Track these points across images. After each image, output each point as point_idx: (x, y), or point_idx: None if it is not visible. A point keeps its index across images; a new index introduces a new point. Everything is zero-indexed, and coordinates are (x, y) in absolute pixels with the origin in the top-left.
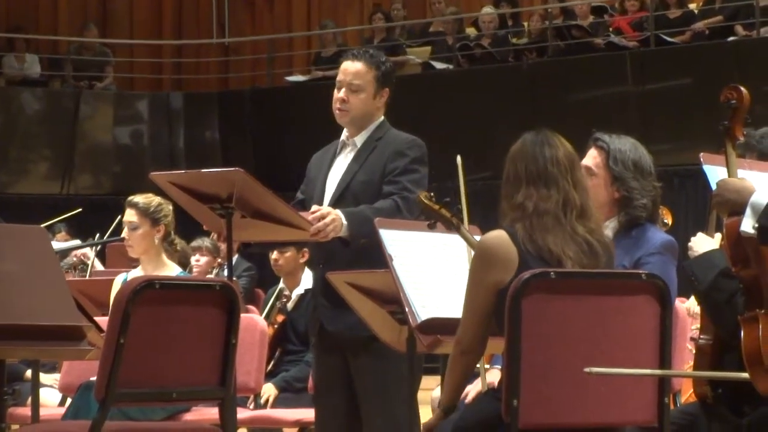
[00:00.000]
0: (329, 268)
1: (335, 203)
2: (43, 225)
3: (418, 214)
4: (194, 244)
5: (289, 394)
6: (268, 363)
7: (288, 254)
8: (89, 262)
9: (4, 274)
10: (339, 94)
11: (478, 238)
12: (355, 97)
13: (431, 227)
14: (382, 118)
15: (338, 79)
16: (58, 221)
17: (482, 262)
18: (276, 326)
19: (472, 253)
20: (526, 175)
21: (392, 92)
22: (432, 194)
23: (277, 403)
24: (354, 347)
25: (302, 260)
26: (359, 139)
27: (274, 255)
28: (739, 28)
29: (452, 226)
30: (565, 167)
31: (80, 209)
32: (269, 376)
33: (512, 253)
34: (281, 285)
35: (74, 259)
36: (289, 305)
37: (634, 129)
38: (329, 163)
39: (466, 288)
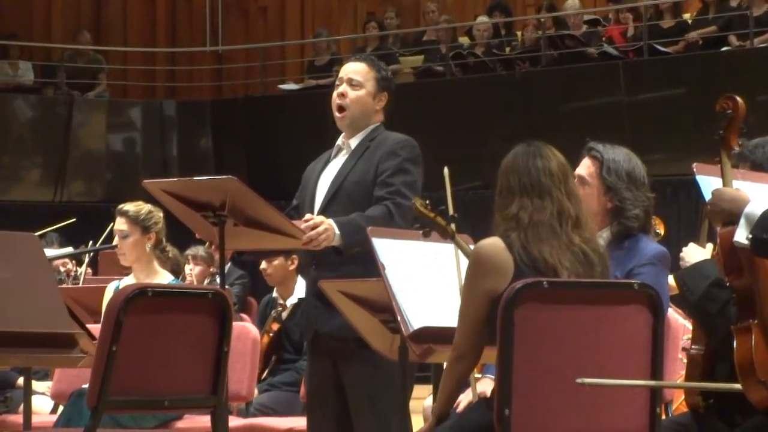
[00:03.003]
0: (320, 269)
1: (327, 204)
2: (36, 233)
3: (411, 221)
4: (189, 252)
5: (280, 398)
6: (262, 371)
7: (276, 262)
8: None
9: None
10: (338, 90)
11: (471, 247)
12: (354, 92)
13: (426, 235)
14: (379, 123)
15: (339, 77)
16: (52, 230)
17: (477, 269)
18: (271, 335)
19: (463, 262)
20: (520, 187)
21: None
22: (427, 201)
23: (270, 411)
24: (345, 353)
25: (292, 267)
26: (354, 142)
27: (263, 265)
28: (732, 39)
29: (447, 235)
30: (558, 178)
31: (74, 219)
32: (263, 383)
33: (508, 261)
34: (275, 294)
35: (63, 269)
36: (284, 314)
37: (626, 139)
38: (323, 167)
39: (462, 294)
